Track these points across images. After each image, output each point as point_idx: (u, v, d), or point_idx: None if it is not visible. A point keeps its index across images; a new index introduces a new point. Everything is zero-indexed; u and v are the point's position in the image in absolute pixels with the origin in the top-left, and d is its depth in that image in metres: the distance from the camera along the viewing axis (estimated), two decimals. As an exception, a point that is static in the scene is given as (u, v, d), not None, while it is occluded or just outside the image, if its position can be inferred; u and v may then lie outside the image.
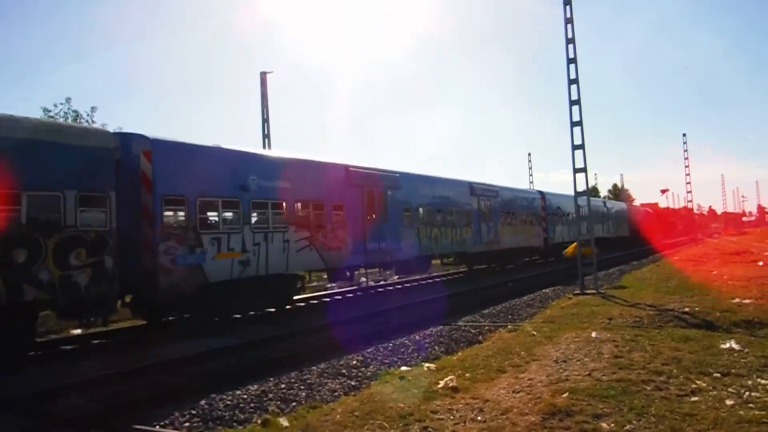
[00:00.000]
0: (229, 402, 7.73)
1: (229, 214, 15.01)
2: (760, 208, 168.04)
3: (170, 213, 13.74)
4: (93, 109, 25.95)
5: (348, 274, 20.37)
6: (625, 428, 5.63)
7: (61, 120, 12.36)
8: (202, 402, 7.63)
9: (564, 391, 6.79)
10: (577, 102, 18.24)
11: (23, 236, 10.68)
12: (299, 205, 17.20)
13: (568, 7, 18.57)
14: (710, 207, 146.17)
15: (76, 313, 12.12)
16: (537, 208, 34.81)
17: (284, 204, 16.55)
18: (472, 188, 27.69)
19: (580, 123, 18.17)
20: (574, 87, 18.29)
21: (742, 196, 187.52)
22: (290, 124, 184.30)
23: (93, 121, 24.57)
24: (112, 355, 11.56)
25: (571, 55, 18.43)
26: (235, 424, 7.10)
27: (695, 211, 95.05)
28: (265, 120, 30.52)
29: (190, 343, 12.26)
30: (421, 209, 23.42)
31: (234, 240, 14.76)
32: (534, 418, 5.98)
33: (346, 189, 19.03)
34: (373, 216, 20.21)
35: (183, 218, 13.79)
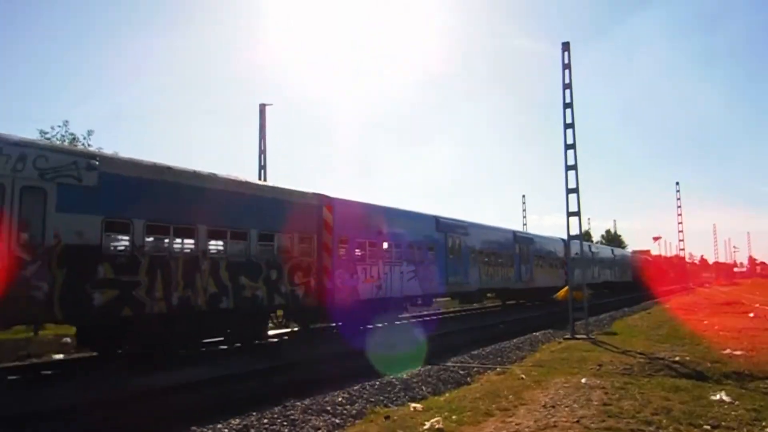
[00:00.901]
0: (210, 436, 7.55)
1: (370, 251, 20.50)
2: (751, 260, 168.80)
3: (342, 249, 19.00)
4: (89, 132, 26.13)
5: (432, 301, 26.32)
6: (613, 479, 5.50)
7: (286, 186, 17.81)
8: (183, 436, 7.45)
9: (551, 438, 6.66)
10: (573, 146, 18.41)
11: (276, 262, 16.15)
12: (409, 245, 22.79)
13: (566, 53, 18.91)
14: (702, 256, 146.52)
15: (297, 315, 18.86)
16: (560, 254, 40.04)
17: (402, 245, 22.35)
18: (515, 236, 34.00)
19: (575, 167, 18.31)
20: (569, 131, 18.49)
21: (734, 247, 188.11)
22: (290, 155, 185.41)
23: (89, 144, 24.67)
24: (93, 382, 11.33)
25: (568, 100, 18.67)
26: (214, 459, 6.92)
27: (687, 259, 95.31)
28: (262, 151, 30.66)
29: (175, 373, 12.04)
30: (482, 252, 29.28)
31: (373, 270, 20.45)
32: (520, 464, 5.85)
33: (436, 234, 25.02)
34: (453, 256, 25.94)
35: (346, 253, 19.21)
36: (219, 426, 7.85)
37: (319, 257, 17.81)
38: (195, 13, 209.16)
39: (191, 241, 13.91)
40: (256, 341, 16.29)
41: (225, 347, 15.68)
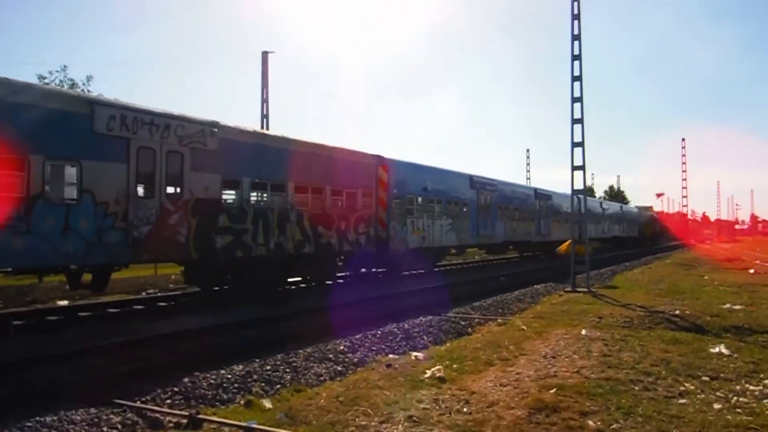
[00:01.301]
0: (213, 381, 7.63)
1: (417, 206, 23.41)
2: (753, 217, 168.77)
3: (395, 204, 21.80)
4: (89, 78, 25.80)
5: (464, 251, 31.98)
6: (612, 427, 5.56)
7: (350, 148, 20.16)
8: (186, 380, 7.53)
9: (551, 387, 6.72)
10: (579, 99, 18.13)
11: (344, 214, 18.90)
12: (448, 201, 25.76)
13: (575, 3, 18.40)
14: (704, 213, 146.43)
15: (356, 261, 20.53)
16: (614, 213, 46.37)
17: (442, 201, 25.20)
18: (536, 193, 36.50)
19: (581, 121, 18.06)
20: (577, 84, 18.17)
21: (737, 204, 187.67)
22: (292, 106, 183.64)
23: (89, 90, 24.37)
24: (99, 328, 11.47)
25: (576, 52, 18.29)
26: (217, 403, 7.01)
27: (689, 216, 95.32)
28: (265, 100, 30.34)
29: (179, 319, 12.17)
30: (507, 208, 32.10)
31: (419, 222, 23.40)
32: (520, 412, 5.92)
33: (470, 191, 27.94)
34: (483, 211, 28.81)
35: (398, 207, 22.11)
36: (222, 372, 7.93)
37: (377, 210, 20.73)
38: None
39: (282, 195, 16.53)
40: (327, 281, 19.35)
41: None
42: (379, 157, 21.10)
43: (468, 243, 29.04)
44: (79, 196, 11.59)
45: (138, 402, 6.71)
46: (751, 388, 6.94)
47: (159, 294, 17.11)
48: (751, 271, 26.07)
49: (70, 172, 11.73)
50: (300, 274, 18.33)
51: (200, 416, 6.29)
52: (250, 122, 27.85)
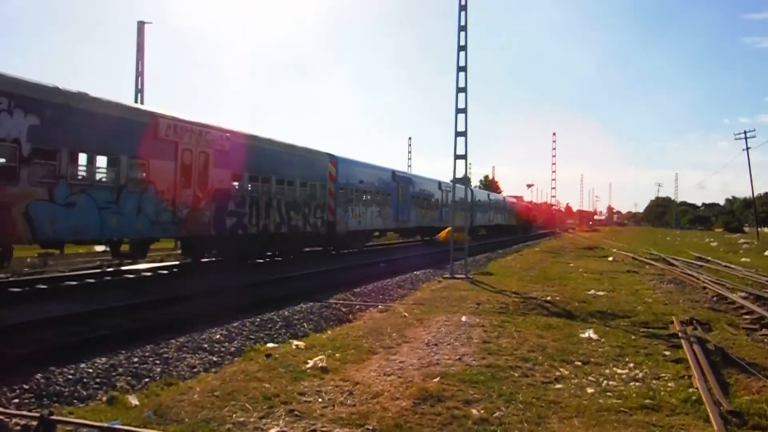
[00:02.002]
0: (70, 376, 6.88)
1: (355, 196, 28.31)
2: (609, 208, 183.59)
3: (340, 194, 26.30)
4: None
5: (386, 233, 37.62)
6: (494, 415, 5.58)
7: (312, 148, 24.84)
8: (38, 375, 6.71)
9: (435, 376, 6.69)
10: (464, 90, 18.45)
11: (308, 202, 23.63)
12: (377, 192, 30.95)
13: (462, -6, 18.66)
14: (567, 204, 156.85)
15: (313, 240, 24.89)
16: (488, 202, 52.76)
17: (373, 191, 30.35)
18: (440, 185, 40.38)
19: (464, 110, 18.41)
20: (462, 74, 18.48)
21: (596, 196, 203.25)
22: (172, 82, 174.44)
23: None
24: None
25: (462, 43, 18.57)
26: (75, 401, 6.30)
27: (554, 206, 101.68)
28: (140, 73, 28.55)
29: (29, 308, 11.00)
30: (418, 198, 37.18)
31: (356, 209, 28.21)
32: (405, 402, 5.79)
33: (392, 183, 32.97)
34: (402, 199, 33.88)
35: (342, 197, 26.63)
36: (82, 366, 7.18)
37: (327, 200, 25.24)
38: None
39: (268, 186, 20.80)
40: (293, 256, 23.33)
41: (92, 280, 14.65)
42: (330, 155, 25.88)
43: (390, 227, 34.86)
44: (146, 187, 15.36)
45: (-23, 403, 5.88)
46: (619, 371, 7.30)
47: (11, 278, 15.41)
48: (611, 258, 28.11)
49: (143, 168, 15.45)
50: (277, 249, 22.92)
51: (54, 417, 5.58)
52: (123, 96, 26.01)
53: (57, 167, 12.94)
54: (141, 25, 28.95)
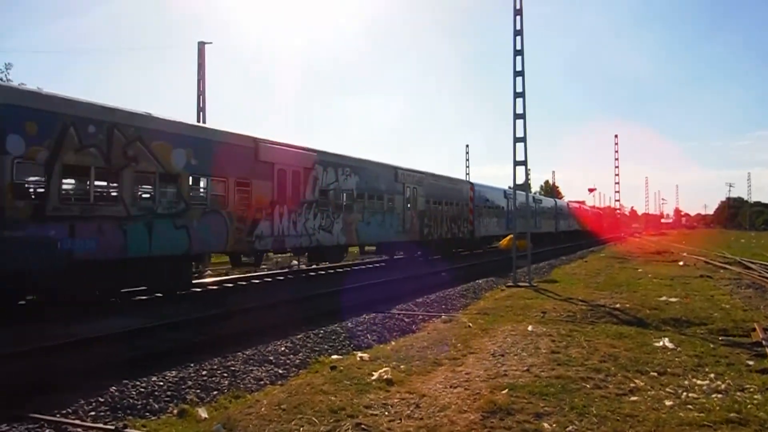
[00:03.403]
0: (143, 389, 7.04)
1: (484, 211, 36.02)
2: (677, 211, 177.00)
3: (476, 210, 34.20)
4: (7, 65, 24.21)
5: None
6: (567, 429, 5.36)
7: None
8: (113, 388, 6.90)
9: (503, 388, 6.49)
10: (522, 95, 18.14)
11: (457, 217, 32.26)
12: (496, 207, 38.24)
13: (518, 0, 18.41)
14: (632, 207, 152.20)
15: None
16: (550, 208, 54.50)
17: (493, 208, 37.82)
18: (505, 193, 40.00)
19: (523, 116, 18.09)
20: (519, 79, 18.19)
21: (663, 199, 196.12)
22: (225, 98, 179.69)
23: (8, 79, 22.85)
24: (10, 332, 10.49)
25: (519, 47, 18.29)
26: (148, 414, 6.44)
27: (619, 211, 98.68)
28: (201, 93, 29.29)
29: (103, 322, 11.37)
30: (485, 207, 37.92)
31: (484, 221, 36.03)
32: (473, 416, 5.64)
33: (503, 200, 38.93)
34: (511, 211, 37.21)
35: (477, 212, 34.39)
36: (153, 379, 7.35)
37: (468, 214, 33.85)
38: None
39: (441, 207, 30.02)
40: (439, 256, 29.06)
41: (160, 295, 15.06)
42: (470, 182, 35.90)
43: (505, 233, 36.63)
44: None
45: (57, 415, 6.08)
46: (699, 382, 6.91)
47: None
48: (681, 263, 26.99)
49: (245, 188, 16.87)
50: (442, 250, 30.32)
51: (127, 429, 5.75)
52: (184, 114, 26.80)
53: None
54: (201, 45, 29.70)
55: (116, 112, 13.27)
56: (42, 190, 11.85)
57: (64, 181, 12.32)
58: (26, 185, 11.90)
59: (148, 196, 14.14)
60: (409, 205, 26.65)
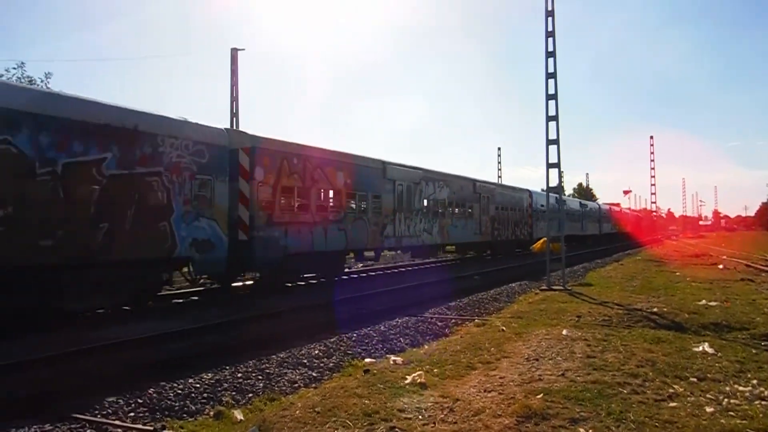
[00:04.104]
0: (180, 391, 7.17)
1: (540, 215, 39.34)
2: (716, 213, 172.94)
3: (533, 215, 39.80)
4: (48, 74, 24.90)
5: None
6: (604, 435, 5.28)
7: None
8: (151, 390, 7.05)
9: (538, 392, 6.43)
10: (554, 96, 17.96)
11: (519, 221, 38.31)
12: (549, 211, 32.54)
13: (549, 0, 18.25)
14: (669, 209, 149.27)
15: None
16: (595, 211, 57.05)
17: (545, 212, 31.56)
18: (557, 199, 45.46)
19: (556, 118, 17.91)
20: (551, 81, 18.01)
21: (701, 201, 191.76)
22: (260, 104, 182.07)
23: (48, 85, 23.48)
24: (50, 335, 10.75)
25: (550, 49, 18.11)
26: (185, 415, 6.56)
27: (655, 213, 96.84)
28: (234, 98, 29.71)
29: (139, 324, 11.60)
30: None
31: (540, 224, 38.77)
32: (508, 420, 5.60)
33: (555, 205, 35.97)
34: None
35: (533, 216, 39.77)
36: (190, 381, 7.48)
37: (527, 219, 39.43)
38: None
39: (508, 213, 35.71)
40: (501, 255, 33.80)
41: (196, 298, 15.31)
42: (528, 190, 39.64)
43: (557, 235, 39.67)
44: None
45: (98, 416, 6.23)
46: (741, 388, 6.74)
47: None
48: (720, 266, 26.33)
49: (377, 200, 22.06)
50: (507, 249, 35.60)
51: (165, 430, 5.86)
52: (218, 120, 27.27)
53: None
54: (234, 52, 30.13)
55: (305, 148, 18.58)
56: (271, 204, 16.78)
57: (282, 197, 17.34)
58: (264, 201, 16.52)
59: (323, 207, 19.30)
60: (483, 212, 32.15)
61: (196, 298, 15.91)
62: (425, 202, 25.87)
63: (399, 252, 28.38)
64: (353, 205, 20.87)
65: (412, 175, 24.82)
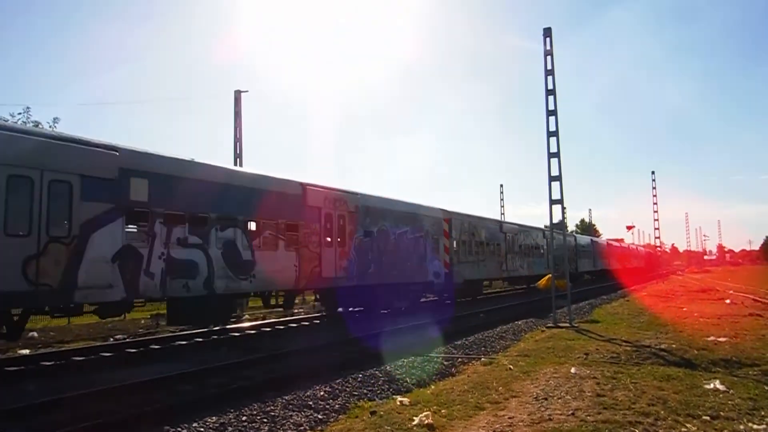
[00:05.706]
0: (184, 436, 7.06)
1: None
2: (720, 248, 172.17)
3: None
4: (55, 119, 25.25)
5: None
6: (618, 476, 5.17)
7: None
8: (155, 435, 6.95)
9: (549, 433, 6.32)
10: (555, 134, 18.13)
11: (534, 255, 40.93)
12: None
13: (548, 39, 18.58)
14: (673, 245, 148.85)
15: None
16: (591, 246, 54.99)
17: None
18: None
19: (557, 155, 18.03)
20: (552, 118, 18.20)
21: (705, 235, 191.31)
22: (268, 145, 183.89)
23: (55, 128, 23.73)
24: (61, 378, 10.70)
25: (550, 87, 18.37)
26: (189, 460, 6.44)
27: (659, 248, 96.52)
28: (238, 139, 29.98)
29: (142, 368, 11.48)
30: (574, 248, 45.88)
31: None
32: (519, 462, 5.49)
33: (570, 242, 43.56)
34: (571, 251, 42.48)
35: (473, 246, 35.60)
36: (194, 425, 7.37)
37: (542, 251, 42.39)
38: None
39: (522, 248, 38.75)
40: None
41: (200, 339, 15.18)
42: (541, 229, 41.28)
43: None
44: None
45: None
46: (755, 426, 6.63)
47: (128, 340, 16.33)
48: (728, 301, 26.10)
49: (438, 239, 26.59)
50: (529, 280, 38.91)
51: (170, 477, 5.75)
52: (223, 160, 27.44)
53: None
54: (238, 94, 30.54)
55: (472, 217, 30.44)
56: (457, 251, 27.44)
57: (460, 247, 28.27)
58: (452, 252, 26.51)
59: (480, 251, 30.40)
60: (507, 249, 35.32)
61: (200, 339, 15.79)
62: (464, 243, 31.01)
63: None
64: (492, 248, 32.38)
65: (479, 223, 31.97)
